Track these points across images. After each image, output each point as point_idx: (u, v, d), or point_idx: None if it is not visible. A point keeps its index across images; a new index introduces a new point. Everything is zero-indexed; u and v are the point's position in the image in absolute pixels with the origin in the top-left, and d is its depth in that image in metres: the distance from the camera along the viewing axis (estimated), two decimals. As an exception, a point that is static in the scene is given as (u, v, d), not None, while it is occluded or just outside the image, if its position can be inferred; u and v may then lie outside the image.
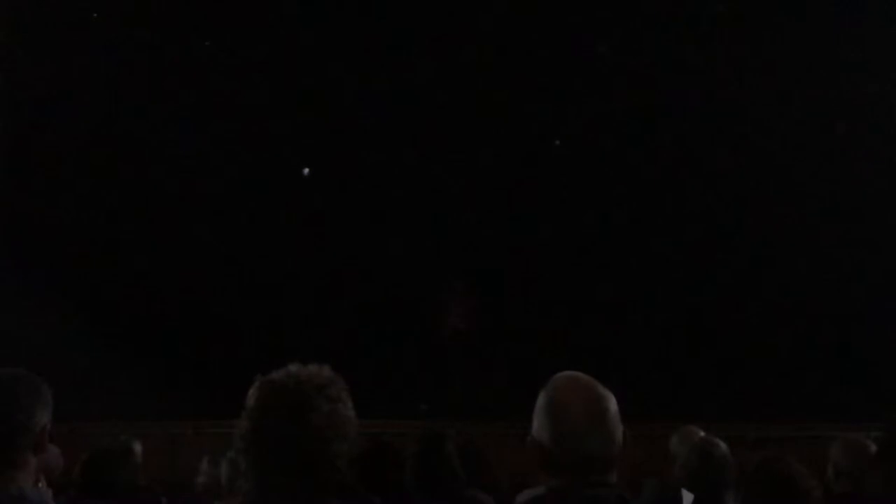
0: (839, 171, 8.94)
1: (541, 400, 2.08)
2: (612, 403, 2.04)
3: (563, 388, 2.06)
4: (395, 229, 9.47)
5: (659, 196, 9.38)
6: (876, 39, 9.03)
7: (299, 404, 1.96)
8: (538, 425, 2.06)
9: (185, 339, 8.95)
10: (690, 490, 3.66)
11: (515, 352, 8.87)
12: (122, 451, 3.94)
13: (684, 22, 9.50)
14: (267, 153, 9.51)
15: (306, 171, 9.80)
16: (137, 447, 4.13)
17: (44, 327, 8.14)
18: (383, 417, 6.69)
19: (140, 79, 9.26)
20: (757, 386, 8.48)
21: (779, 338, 8.80)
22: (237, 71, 9.60)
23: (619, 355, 8.17)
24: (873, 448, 3.81)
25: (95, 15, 9.50)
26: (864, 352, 8.55)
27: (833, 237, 8.97)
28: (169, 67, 9.45)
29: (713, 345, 8.81)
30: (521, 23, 9.46)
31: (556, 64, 9.50)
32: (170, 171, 9.32)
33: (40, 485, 2.38)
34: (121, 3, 9.59)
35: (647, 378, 7.98)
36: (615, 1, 9.71)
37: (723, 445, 4.00)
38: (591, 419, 2.00)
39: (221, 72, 9.60)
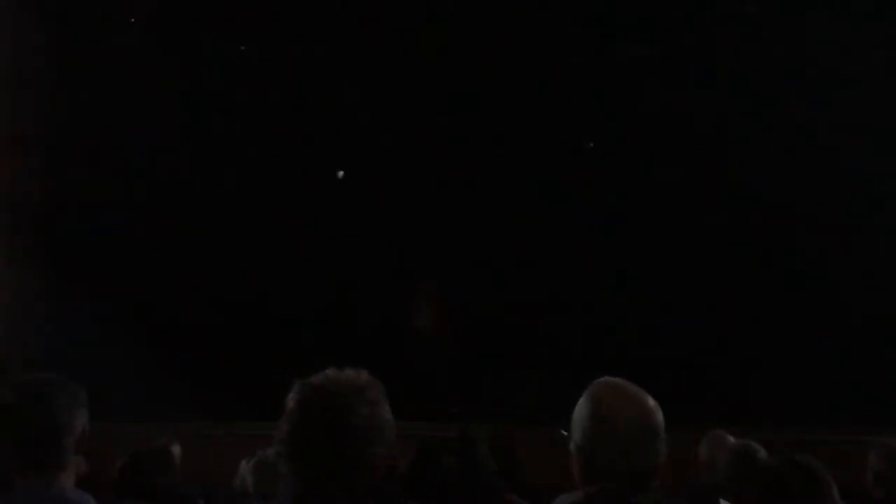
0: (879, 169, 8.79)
1: (586, 408, 2.05)
2: (661, 416, 2.03)
3: (614, 399, 2.04)
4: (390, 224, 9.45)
5: (670, 191, 9.25)
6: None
7: (339, 407, 1.97)
8: (583, 434, 2.03)
9: (220, 341, 9.00)
10: (730, 495, 3.63)
11: (529, 354, 8.88)
12: (162, 454, 3.97)
13: (718, 22, 9.39)
14: (269, 158, 9.53)
15: (341, 173, 9.81)
16: (176, 449, 4.17)
17: (78, 329, 8.23)
18: (413, 419, 6.68)
19: (173, 82, 9.32)
20: (789, 390, 8.39)
21: (812, 340, 8.69)
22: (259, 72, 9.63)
23: (638, 359, 8.11)
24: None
25: (133, 20, 9.58)
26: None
27: (874, 237, 8.85)
28: (206, 69, 9.51)
29: (732, 347, 8.74)
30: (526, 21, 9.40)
31: (558, 64, 9.43)
32: (204, 173, 9.39)
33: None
34: (150, 7, 9.66)
35: (668, 382, 7.87)
36: (647, 3, 9.63)
37: (762, 450, 3.98)
38: (640, 433, 1.99)
39: (251, 73, 9.65)
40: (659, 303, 8.92)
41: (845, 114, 8.71)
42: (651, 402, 2.04)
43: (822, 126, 8.78)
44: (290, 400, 2.03)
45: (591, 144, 9.75)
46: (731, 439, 4.72)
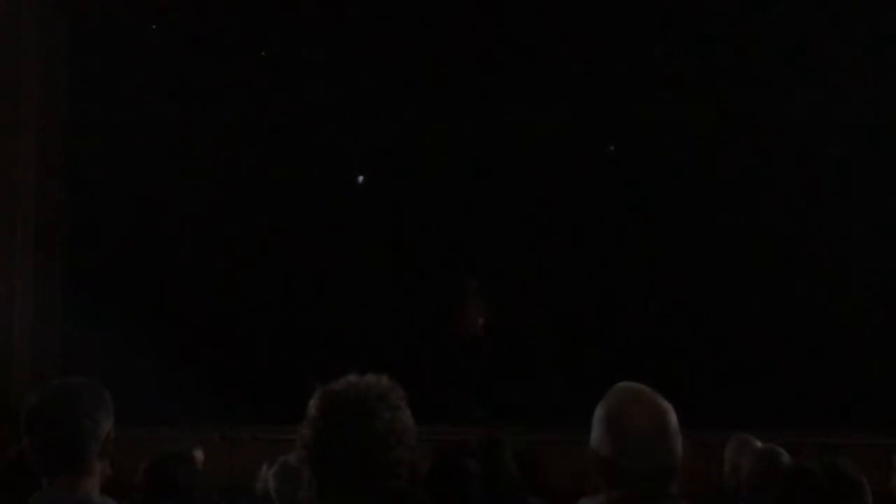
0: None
1: (602, 411, 2.08)
2: (674, 416, 2.07)
3: (626, 401, 2.08)
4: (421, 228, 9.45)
5: (697, 195, 9.21)
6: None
7: (362, 412, 1.99)
8: (600, 437, 2.06)
9: (243, 344, 9.05)
10: (753, 499, 3.62)
11: (554, 355, 8.87)
12: (184, 458, 4.00)
13: (740, 24, 9.34)
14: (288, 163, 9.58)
15: (360, 178, 9.83)
16: (199, 454, 4.19)
17: (101, 333, 8.29)
18: (437, 423, 6.68)
19: (185, 94, 9.37)
20: (813, 393, 8.33)
21: (833, 343, 8.63)
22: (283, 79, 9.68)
23: (663, 361, 8.09)
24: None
25: (154, 27, 9.64)
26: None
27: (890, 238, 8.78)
28: (224, 78, 9.54)
29: (758, 348, 8.70)
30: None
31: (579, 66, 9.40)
32: (227, 181, 9.43)
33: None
34: (175, 13, 9.70)
35: (692, 384, 7.84)
36: (669, 3, 9.59)
37: (786, 454, 3.96)
38: (655, 433, 2.02)
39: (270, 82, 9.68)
40: (670, 307, 8.91)
41: (853, 114, 8.69)
42: (663, 402, 2.07)
43: (828, 127, 8.76)
44: (312, 406, 2.04)
45: (612, 147, 9.73)
46: (757, 443, 4.71)
